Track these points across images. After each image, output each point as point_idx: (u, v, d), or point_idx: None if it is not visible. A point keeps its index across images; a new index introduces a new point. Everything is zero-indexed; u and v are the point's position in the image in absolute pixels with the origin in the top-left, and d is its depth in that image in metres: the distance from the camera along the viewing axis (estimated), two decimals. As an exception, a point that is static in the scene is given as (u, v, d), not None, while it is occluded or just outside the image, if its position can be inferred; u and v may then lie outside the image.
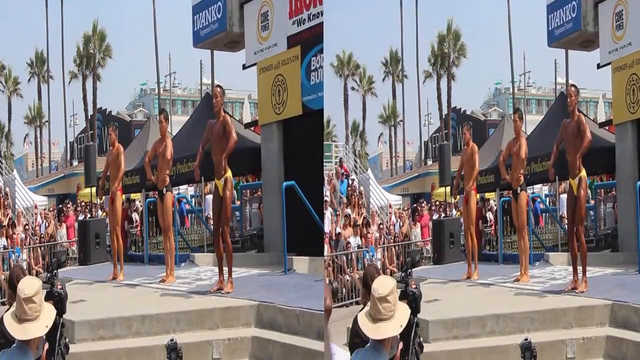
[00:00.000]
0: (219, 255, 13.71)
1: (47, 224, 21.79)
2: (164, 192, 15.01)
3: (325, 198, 21.71)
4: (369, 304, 5.24)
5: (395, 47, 42.89)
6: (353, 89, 45.35)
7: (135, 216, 20.47)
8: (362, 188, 24.44)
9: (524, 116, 16.70)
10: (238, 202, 20.15)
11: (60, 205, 23.83)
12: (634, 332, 11.57)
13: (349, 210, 21.05)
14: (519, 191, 15.35)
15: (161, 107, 17.79)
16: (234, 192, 18.80)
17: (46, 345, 5.54)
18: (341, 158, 27.92)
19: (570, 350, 11.40)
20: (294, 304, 12.01)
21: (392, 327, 5.07)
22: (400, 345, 5.54)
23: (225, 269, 13.65)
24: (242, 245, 18.95)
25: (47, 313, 5.20)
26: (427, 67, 41.87)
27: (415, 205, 23.94)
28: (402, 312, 5.20)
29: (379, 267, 17.57)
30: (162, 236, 15.50)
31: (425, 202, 24.37)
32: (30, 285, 5.17)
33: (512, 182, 15.43)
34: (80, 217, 21.64)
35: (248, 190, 20.54)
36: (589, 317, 12.23)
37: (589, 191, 17.80)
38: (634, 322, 11.80)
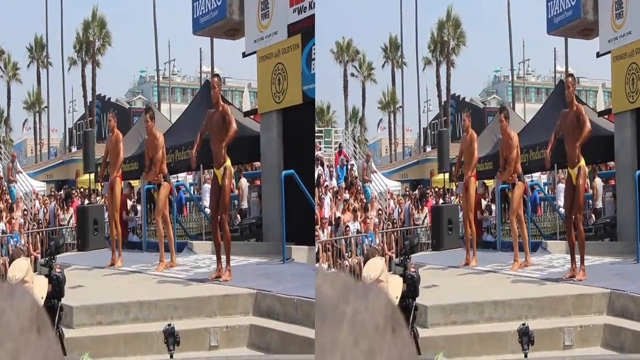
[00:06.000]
0: (217, 243, 13.72)
1: (45, 210, 21.79)
2: (162, 182, 15.10)
3: (326, 183, 21.74)
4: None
5: (394, 34, 42.81)
6: (353, 75, 45.24)
7: (136, 204, 20.47)
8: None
9: (511, 108, 16.70)
10: (237, 191, 20.13)
11: (66, 190, 23.81)
12: (631, 321, 11.60)
13: (347, 195, 21.07)
14: (516, 181, 15.40)
15: (148, 105, 17.74)
16: (233, 180, 18.81)
17: (48, 320, 5.56)
18: (340, 144, 27.93)
19: (568, 338, 11.42)
20: (292, 293, 12.04)
21: None
22: (402, 319, 5.57)
23: (224, 257, 13.67)
24: (241, 234, 18.93)
25: (40, 286, 5.21)
26: (426, 53, 41.84)
27: (422, 190, 23.88)
28: (395, 284, 5.22)
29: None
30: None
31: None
32: (19, 268, 5.18)
33: (508, 177, 15.53)
34: (79, 203, 21.64)
35: (246, 179, 20.54)
36: (586, 305, 12.25)
37: (587, 180, 17.80)
38: (631, 311, 11.82)
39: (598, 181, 20.27)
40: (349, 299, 1.07)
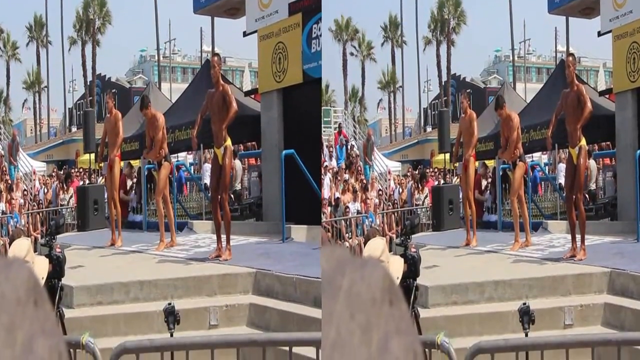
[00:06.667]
0: (217, 223, 13.74)
1: (45, 190, 21.78)
2: (162, 162, 15.11)
3: (326, 164, 21.73)
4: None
5: (394, 12, 42.64)
6: (352, 54, 45.05)
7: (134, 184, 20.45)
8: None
9: (511, 87, 16.66)
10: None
11: (66, 170, 23.80)
12: (632, 300, 11.62)
13: (347, 176, 21.05)
14: (517, 162, 15.39)
15: (142, 95, 17.75)
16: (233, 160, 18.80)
17: (45, 292, 5.55)
18: (340, 124, 27.86)
19: (569, 317, 11.44)
20: (291, 272, 12.08)
21: None
22: (400, 292, 5.56)
23: (224, 236, 13.70)
24: (241, 213, 18.95)
25: (40, 267, 5.20)
26: (426, 33, 41.71)
27: (423, 170, 23.84)
28: (396, 265, 5.21)
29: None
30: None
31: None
32: (20, 248, 5.17)
33: (510, 157, 15.51)
34: (79, 184, 21.62)
35: (247, 159, 20.53)
36: (587, 284, 12.27)
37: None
38: (631, 290, 11.85)
39: (592, 163, 20.24)
40: (345, 272, 1.05)
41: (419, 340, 1.09)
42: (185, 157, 24.28)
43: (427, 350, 7.62)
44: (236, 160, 19.91)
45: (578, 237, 13.84)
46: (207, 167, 19.20)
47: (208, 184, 17.92)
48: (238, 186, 19.99)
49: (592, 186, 20.23)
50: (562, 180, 18.39)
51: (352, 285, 1.03)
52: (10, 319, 0.94)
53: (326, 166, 21.49)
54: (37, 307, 0.99)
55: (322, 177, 19.74)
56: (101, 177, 21.06)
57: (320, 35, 17.46)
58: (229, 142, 13.58)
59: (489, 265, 14.06)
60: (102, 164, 19.24)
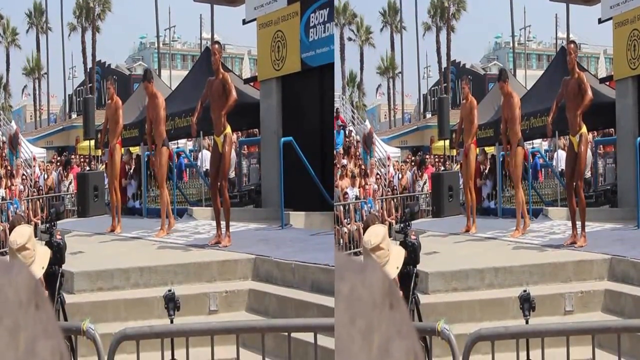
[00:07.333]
0: (216, 209, 13.77)
1: (46, 176, 21.76)
2: (161, 146, 15.10)
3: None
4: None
5: (393, -3, 42.54)
6: (350, 39, 44.86)
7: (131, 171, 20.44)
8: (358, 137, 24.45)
9: (512, 74, 16.61)
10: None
11: (66, 157, 23.77)
12: (632, 286, 11.64)
13: (345, 161, 21.01)
14: (516, 147, 15.39)
15: (145, 69, 17.77)
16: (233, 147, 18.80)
17: (45, 294, 5.54)
18: (338, 109, 27.80)
19: (569, 304, 11.45)
20: (290, 258, 12.12)
21: (389, 270, 5.07)
22: (400, 294, 5.56)
23: (223, 223, 13.73)
24: (240, 200, 18.97)
25: (41, 255, 5.19)
26: (426, 18, 41.59)
27: (422, 157, 23.79)
28: (397, 254, 5.20)
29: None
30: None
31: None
32: (21, 234, 5.16)
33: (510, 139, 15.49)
34: (78, 170, 21.60)
35: (246, 146, 20.54)
36: (587, 271, 12.28)
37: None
38: (632, 276, 11.86)
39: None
40: (344, 276, 1.04)
41: (418, 341, 1.09)
42: (185, 144, 24.28)
43: (427, 337, 7.63)
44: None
45: (578, 223, 13.84)
46: (205, 154, 19.21)
47: (207, 170, 17.94)
48: (232, 174, 19.98)
49: (588, 174, 20.21)
50: (562, 167, 18.39)
51: (353, 290, 1.03)
52: (13, 322, 0.94)
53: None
54: (38, 309, 0.98)
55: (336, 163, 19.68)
56: (101, 164, 21.06)
57: (320, 24, 17.42)
58: (228, 130, 13.60)
59: (489, 251, 14.07)
60: (103, 151, 19.24)
